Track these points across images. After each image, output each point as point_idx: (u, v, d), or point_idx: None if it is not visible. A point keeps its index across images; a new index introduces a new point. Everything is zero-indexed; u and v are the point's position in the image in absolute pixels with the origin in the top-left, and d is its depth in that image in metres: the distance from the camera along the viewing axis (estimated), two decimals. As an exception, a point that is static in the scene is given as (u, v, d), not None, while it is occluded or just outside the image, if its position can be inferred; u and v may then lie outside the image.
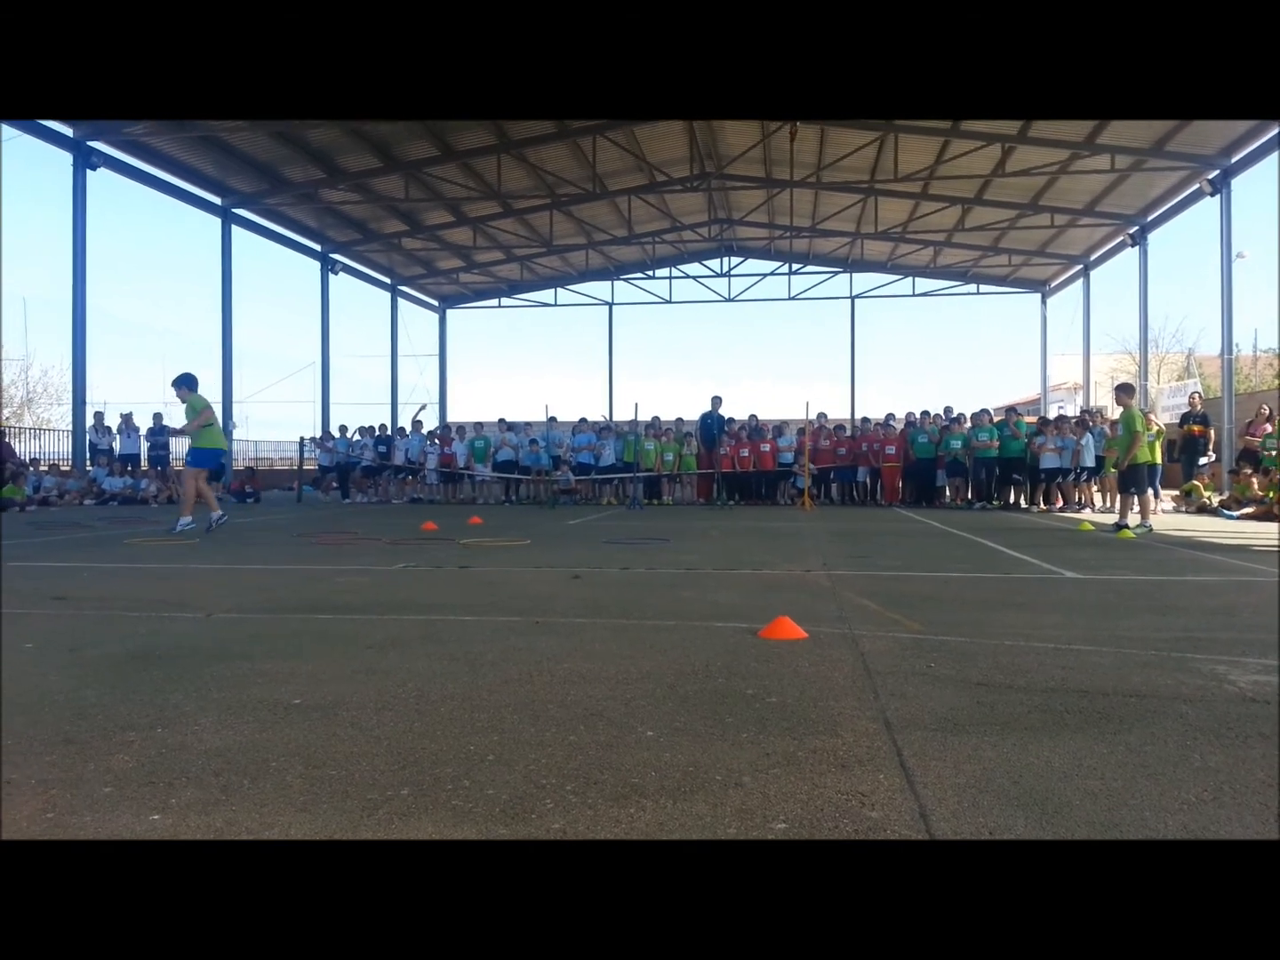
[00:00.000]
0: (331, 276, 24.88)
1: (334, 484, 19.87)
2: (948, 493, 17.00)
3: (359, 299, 43.09)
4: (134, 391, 64.16)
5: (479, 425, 20.33)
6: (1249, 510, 13.12)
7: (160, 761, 2.26)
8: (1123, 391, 10.82)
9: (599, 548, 8.32)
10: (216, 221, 20.75)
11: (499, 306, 32.23)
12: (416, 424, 20.04)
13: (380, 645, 3.67)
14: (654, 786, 2.06)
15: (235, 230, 21.09)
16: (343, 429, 20.30)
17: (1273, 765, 2.22)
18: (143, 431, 18.89)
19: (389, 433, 20.40)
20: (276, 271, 62.61)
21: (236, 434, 23.55)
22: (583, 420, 19.56)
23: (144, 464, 18.60)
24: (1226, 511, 13.53)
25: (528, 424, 19.88)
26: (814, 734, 2.47)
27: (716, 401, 18.22)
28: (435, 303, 31.59)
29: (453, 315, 32.48)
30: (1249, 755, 2.30)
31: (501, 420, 20.23)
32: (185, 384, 9.67)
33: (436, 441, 19.45)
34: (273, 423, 35.61)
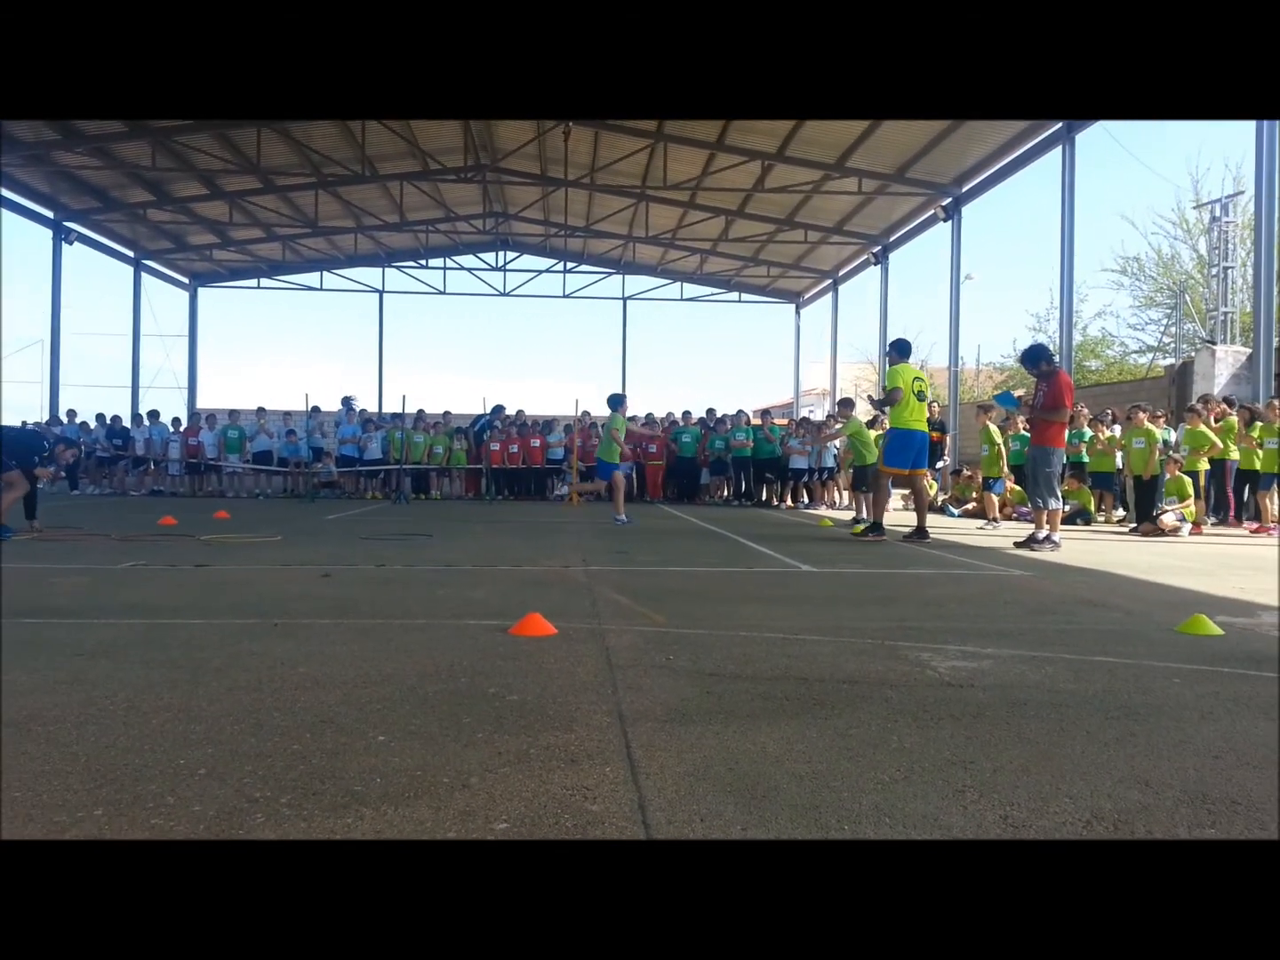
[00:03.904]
0: (65, 246, 22.55)
1: (61, 473, 18.06)
2: (709, 490, 17.75)
3: (96, 272, 39.01)
4: None
5: (233, 413, 19.12)
6: (968, 507, 14.53)
7: None
8: (844, 406, 12.59)
9: (356, 544, 8.04)
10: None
11: (258, 287, 30.38)
12: (153, 413, 18.66)
13: (92, 652, 3.37)
14: (376, 794, 2.01)
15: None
16: (71, 414, 18.52)
17: (959, 744, 2.45)
18: None
19: (124, 424, 18.72)
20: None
21: (-57, 416, 20.91)
22: (347, 403, 18.84)
23: None
24: (950, 509, 14.91)
25: (288, 413, 18.92)
26: (549, 730, 2.50)
27: (498, 411, 18.20)
28: (185, 280, 29.35)
29: (205, 294, 30.29)
30: (939, 735, 2.53)
31: (260, 409, 19.16)
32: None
33: (180, 431, 18.12)
34: (-9, 405, 31.74)
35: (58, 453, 8.90)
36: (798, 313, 31.02)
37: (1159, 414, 13.28)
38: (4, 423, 9.28)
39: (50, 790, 2.00)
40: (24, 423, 17.08)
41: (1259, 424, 11.77)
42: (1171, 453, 11.94)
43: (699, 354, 57.47)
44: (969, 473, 15.39)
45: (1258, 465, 11.77)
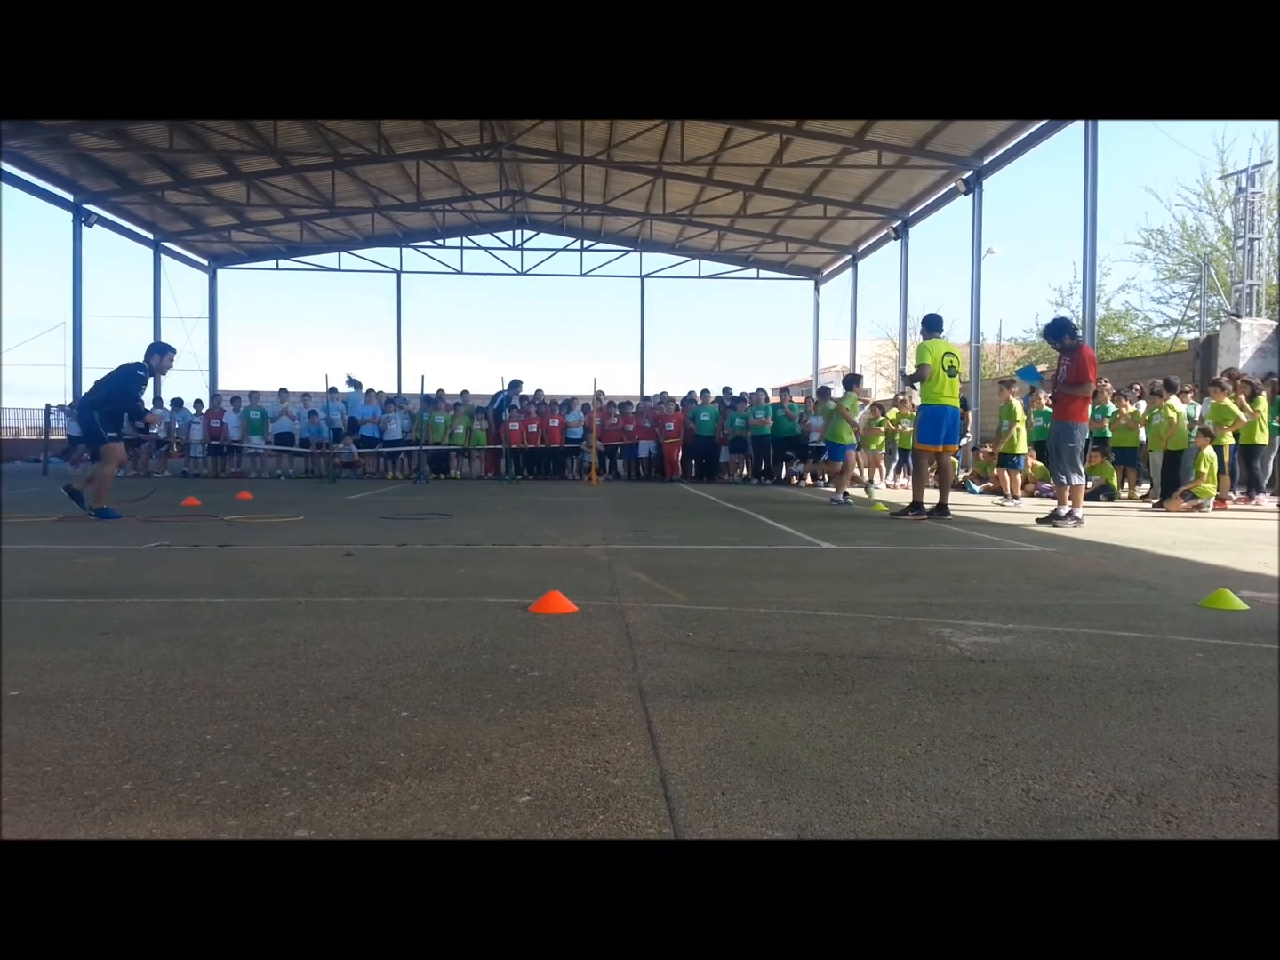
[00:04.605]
0: (84, 229, 22.67)
1: (85, 455, 18.26)
2: (728, 469, 17.74)
3: (116, 254, 39.48)
4: None
5: (253, 395, 19.23)
6: (989, 484, 14.44)
7: None
8: (821, 395, 13.45)
9: (377, 523, 8.09)
10: (-58, 161, 18.44)
11: (277, 269, 30.48)
12: (176, 401, 18.77)
13: (118, 631, 3.41)
14: (400, 768, 2.03)
15: (-33, 173, 18.82)
16: (95, 396, 18.66)
17: (981, 719, 2.45)
18: None
19: (146, 406, 18.84)
20: (20, 222, 56.37)
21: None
22: (370, 390, 18.94)
23: None
24: (972, 485, 14.82)
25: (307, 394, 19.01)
26: (570, 705, 2.51)
27: (516, 385, 18.16)
28: (205, 262, 29.47)
29: (225, 276, 30.41)
30: (960, 710, 2.52)
31: (282, 390, 19.27)
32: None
33: (203, 413, 18.25)
34: (16, 388, 31.99)
35: (155, 361, 8.33)
36: (817, 289, 30.80)
37: (1187, 390, 13.12)
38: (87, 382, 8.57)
39: (80, 765, 2.03)
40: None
41: (1261, 397, 11.66)
42: (1200, 426, 11.82)
43: (717, 331, 57.21)
44: (990, 449, 15.29)
45: (1260, 440, 11.68)
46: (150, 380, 8.12)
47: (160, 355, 8.38)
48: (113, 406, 8.07)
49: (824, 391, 13.23)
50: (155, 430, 8.87)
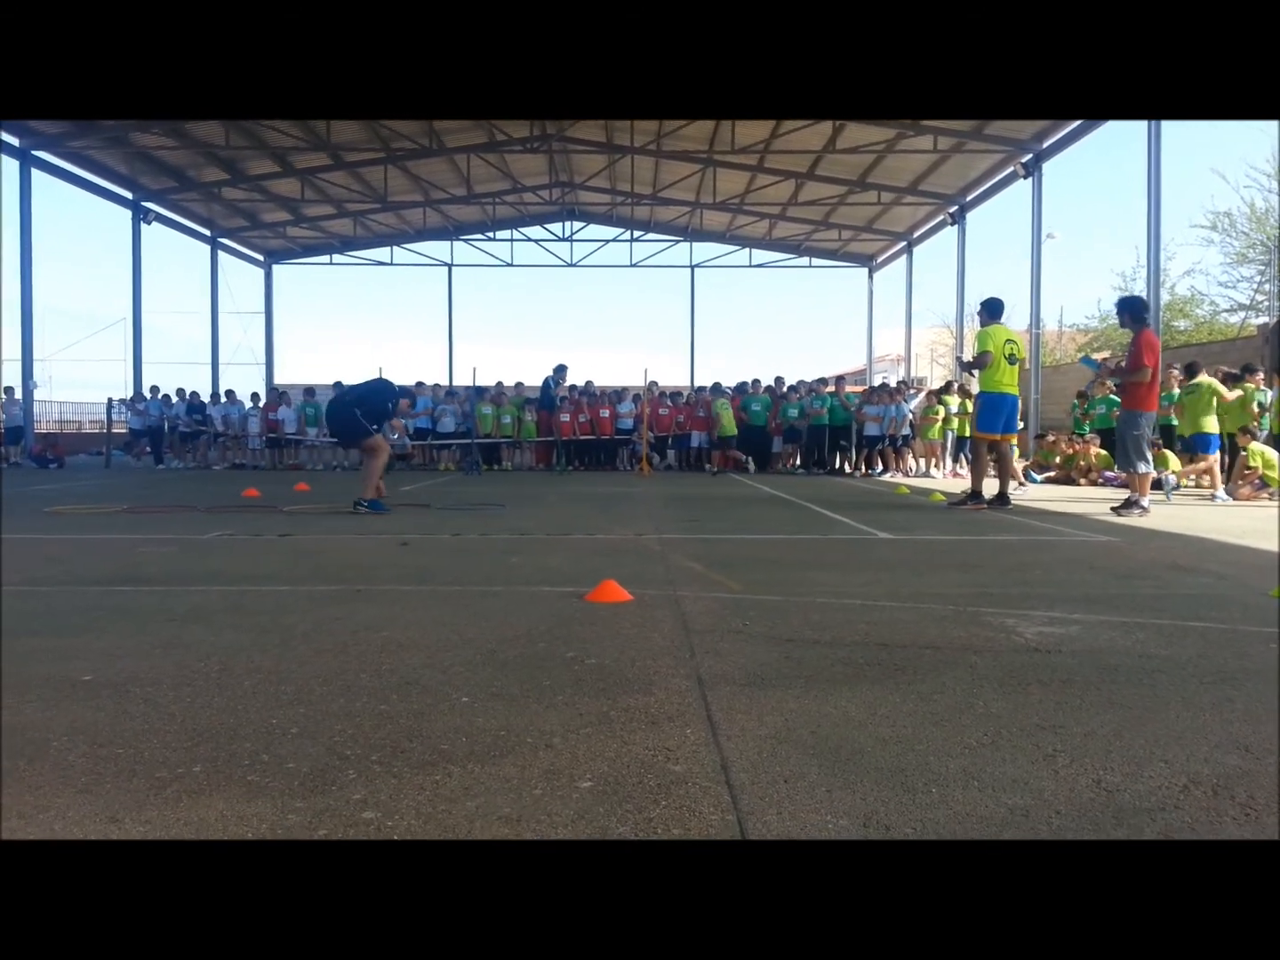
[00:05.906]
0: (144, 226, 23.18)
1: (147, 448, 18.73)
2: (781, 459, 17.61)
3: (175, 251, 40.43)
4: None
5: (309, 390, 19.52)
6: (1051, 474, 14.17)
7: (-80, 748, 2.07)
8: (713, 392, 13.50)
9: (432, 514, 8.17)
10: (14, 165, 18.97)
11: (330, 263, 30.91)
12: (230, 393, 19.21)
13: (184, 618, 3.48)
14: (463, 752, 2.04)
15: (35, 174, 19.34)
16: (154, 390, 19.11)
17: (1048, 709, 2.40)
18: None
19: (201, 399, 19.20)
20: (82, 220, 57.68)
21: (38, 394, 21.77)
22: (419, 384, 19.14)
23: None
24: (1032, 475, 14.54)
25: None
26: (629, 693, 2.51)
27: (560, 370, 18.15)
28: (260, 257, 29.97)
29: (280, 271, 30.91)
30: (1027, 701, 2.47)
31: (337, 383, 19.53)
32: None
33: (260, 406, 18.59)
34: (79, 383, 32.85)
35: (402, 408, 8.69)
36: (870, 277, 30.39)
37: (1259, 374, 12.70)
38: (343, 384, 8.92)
39: (151, 749, 2.07)
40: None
41: None
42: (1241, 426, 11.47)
43: (768, 321, 56.66)
44: (1052, 438, 15.00)
45: None
46: (394, 408, 8.50)
47: (408, 400, 8.97)
48: (369, 406, 8.25)
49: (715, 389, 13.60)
50: (395, 437, 9.24)
